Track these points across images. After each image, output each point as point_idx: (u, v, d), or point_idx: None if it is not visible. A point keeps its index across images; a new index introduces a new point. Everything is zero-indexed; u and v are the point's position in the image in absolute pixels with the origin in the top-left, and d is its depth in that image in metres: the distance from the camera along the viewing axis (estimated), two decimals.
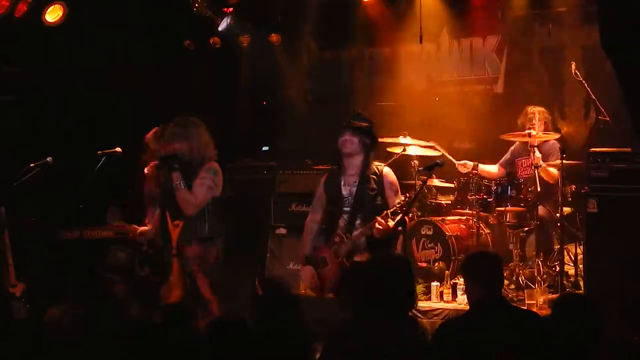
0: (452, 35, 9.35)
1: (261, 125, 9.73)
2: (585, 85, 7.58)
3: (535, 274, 7.10)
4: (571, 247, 7.45)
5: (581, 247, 6.99)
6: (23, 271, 7.26)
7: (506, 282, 6.99)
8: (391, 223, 5.82)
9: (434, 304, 7.13)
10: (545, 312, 6.41)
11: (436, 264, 7.56)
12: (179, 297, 5.66)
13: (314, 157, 8.52)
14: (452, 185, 7.89)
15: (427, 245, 7.65)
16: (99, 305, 4.68)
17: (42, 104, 9.24)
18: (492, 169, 7.92)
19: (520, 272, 7.23)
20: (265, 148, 9.67)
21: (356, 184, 6.08)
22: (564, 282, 7.05)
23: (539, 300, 6.83)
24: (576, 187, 7.35)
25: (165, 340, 3.83)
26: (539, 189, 7.16)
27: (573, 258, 7.40)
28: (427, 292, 7.27)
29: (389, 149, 7.88)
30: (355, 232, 5.97)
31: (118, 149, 7.39)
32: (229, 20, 9.33)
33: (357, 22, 9.41)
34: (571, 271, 7.37)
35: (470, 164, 7.78)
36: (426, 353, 4.26)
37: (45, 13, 8.33)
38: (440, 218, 7.80)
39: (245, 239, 8.36)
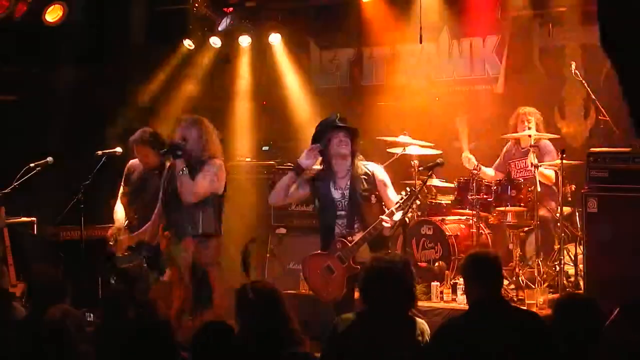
0: (452, 35, 9.34)
1: (261, 125, 9.72)
2: (585, 85, 7.58)
3: (535, 274, 7.09)
4: (571, 247, 7.44)
5: (581, 247, 6.99)
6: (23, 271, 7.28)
7: (506, 282, 6.99)
8: (397, 217, 5.83)
9: (434, 304, 7.13)
10: (545, 312, 6.41)
11: (436, 264, 7.56)
12: (181, 296, 5.65)
13: None
14: (452, 185, 7.89)
15: (427, 245, 7.65)
16: (111, 312, 4.69)
17: (42, 104, 9.24)
18: (490, 173, 7.90)
19: (520, 272, 7.23)
20: (265, 148, 9.67)
21: (348, 186, 6.04)
22: (564, 282, 7.05)
23: (539, 300, 6.83)
24: (576, 187, 7.35)
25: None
26: (538, 189, 7.16)
27: (573, 258, 7.40)
28: (427, 292, 7.27)
29: (389, 149, 7.88)
30: (358, 235, 5.94)
31: (118, 149, 7.40)
32: (229, 20, 9.32)
33: (356, 22, 9.40)
34: (571, 271, 7.37)
35: (474, 162, 7.76)
36: (426, 353, 4.26)
37: (45, 13, 8.33)
38: (440, 218, 7.80)
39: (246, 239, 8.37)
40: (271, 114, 9.87)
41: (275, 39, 9.50)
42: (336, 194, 6.03)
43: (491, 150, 8.25)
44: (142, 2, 9.27)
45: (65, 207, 7.54)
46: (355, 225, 5.97)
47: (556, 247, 7.28)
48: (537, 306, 6.76)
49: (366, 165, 6.08)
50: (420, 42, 8.77)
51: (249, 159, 9.26)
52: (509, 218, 7.46)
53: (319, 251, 6.09)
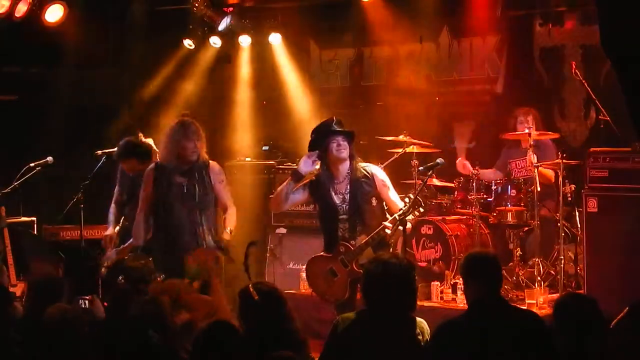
0: (452, 35, 9.34)
1: (261, 125, 9.72)
2: (585, 85, 7.58)
3: (535, 274, 7.10)
4: (571, 247, 7.45)
5: (581, 247, 6.99)
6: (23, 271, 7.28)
7: (506, 282, 6.99)
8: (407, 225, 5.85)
9: (434, 304, 7.14)
10: (545, 311, 6.41)
11: (436, 263, 7.57)
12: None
13: None
14: (452, 185, 7.90)
15: (427, 244, 7.65)
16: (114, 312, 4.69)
17: (42, 104, 9.24)
18: (490, 175, 7.90)
19: (520, 272, 7.24)
20: (265, 148, 9.67)
21: (348, 190, 6.03)
22: (564, 282, 7.06)
23: (539, 300, 6.84)
24: (576, 187, 7.35)
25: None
26: (538, 189, 7.17)
27: (573, 258, 7.40)
28: (427, 292, 7.27)
29: (389, 149, 7.88)
30: (361, 239, 5.92)
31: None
32: (229, 20, 9.32)
33: (356, 22, 9.40)
34: (571, 271, 7.37)
35: (470, 169, 7.74)
36: (426, 353, 4.26)
37: (45, 13, 8.33)
38: (440, 218, 7.80)
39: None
40: (271, 114, 9.87)
41: (275, 39, 9.50)
42: (337, 199, 6.01)
43: (491, 151, 8.25)
44: (142, 1, 9.28)
45: (65, 207, 7.55)
46: (358, 229, 5.96)
47: (556, 247, 7.28)
48: (537, 306, 6.76)
49: (365, 168, 6.06)
50: (421, 42, 8.77)
51: (249, 159, 9.27)
52: (509, 218, 7.46)
53: (322, 253, 6.08)
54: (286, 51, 9.68)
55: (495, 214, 7.56)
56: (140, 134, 7.92)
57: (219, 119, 9.64)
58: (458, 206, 7.91)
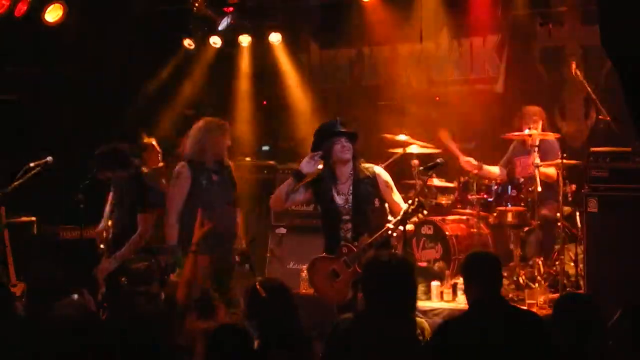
0: (452, 35, 9.34)
1: (261, 125, 9.73)
2: (586, 85, 7.58)
3: (536, 274, 7.10)
4: (571, 247, 7.45)
5: (581, 247, 6.99)
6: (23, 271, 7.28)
7: (506, 282, 6.99)
8: (409, 227, 5.86)
9: (434, 303, 7.14)
10: (546, 312, 6.42)
11: (436, 263, 7.57)
12: (183, 297, 5.64)
13: None
14: (452, 185, 7.90)
15: (427, 244, 7.66)
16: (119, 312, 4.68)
17: (42, 104, 9.24)
18: (494, 171, 7.92)
19: (521, 272, 7.24)
20: (265, 148, 9.67)
21: (351, 191, 6.03)
22: (564, 282, 7.06)
23: (539, 300, 6.84)
24: (576, 187, 7.35)
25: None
26: (539, 189, 7.17)
27: (573, 258, 7.40)
28: (427, 292, 7.27)
29: (389, 149, 7.89)
30: (363, 240, 5.92)
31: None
32: (229, 20, 9.32)
33: (356, 22, 9.40)
34: (571, 271, 7.37)
35: (475, 163, 7.77)
36: (426, 352, 4.26)
37: (45, 13, 8.33)
38: (440, 218, 7.80)
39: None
40: (271, 114, 9.87)
41: (276, 39, 9.50)
42: (339, 200, 6.01)
43: (491, 151, 8.25)
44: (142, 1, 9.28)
45: (65, 207, 7.54)
46: (360, 230, 5.96)
47: (556, 247, 7.28)
48: (537, 306, 6.76)
49: (368, 168, 6.07)
50: (421, 42, 8.77)
51: (249, 159, 9.27)
52: (510, 218, 7.46)
53: (324, 255, 6.08)
54: (286, 51, 9.68)
55: (495, 214, 7.56)
56: (144, 134, 7.93)
57: (219, 119, 9.63)
58: (458, 206, 7.92)
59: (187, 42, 9.44)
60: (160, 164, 8.04)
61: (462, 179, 7.79)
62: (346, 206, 5.99)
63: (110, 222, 6.88)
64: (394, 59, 9.61)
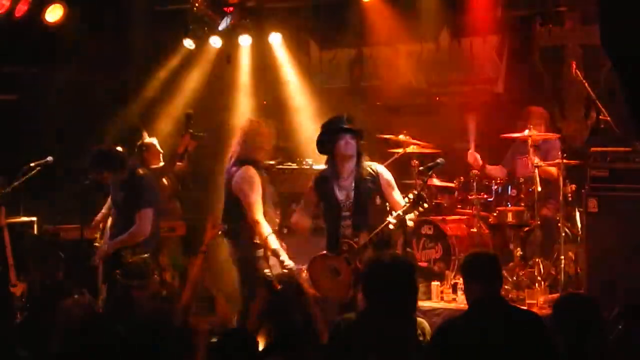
0: (452, 35, 9.34)
1: None
2: (586, 85, 7.58)
3: (536, 274, 7.09)
4: (571, 247, 7.44)
5: (581, 247, 6.98)
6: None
7: (506, 282, 6.98)
8: (409, 223, 5.86)
9: (434, 304, 7.13)
10: (546, 312, 6.40)
11: (436, 263, 7.56)
12: (187, 298, 5.65)
13: (314, 156, 8.51)
14: (452, 185, 7.89)
15: (427, 245, 7.65)
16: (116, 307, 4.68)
17: (42, 104, 9.24)
18: (497, 170, 7.92)
19: (521, 272, 7.23)
20: None
21: (353, 187, 6.03)
22: (564, 282, 7.05)
23: (539, 300, 6.84)
24: (576, 187, 7.35)
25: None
26: (539, 189, 7.17)
27: (573, 258, 7.40)
28: (427, 292, 7.27)
29: (389, 149, 7.88)
30: (364, 237, 5.91)
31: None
32: (229, 20, 9.32)
33: (356, 22, 9.40)
34: (571, 271, 7.36)
35: (480, 162, 7.76)
36: (426, 352, 4.26)
37: (45, 13, 8.33)
38: (440, 218, 7.79)
39: None
40: (271, 114, 9.86)
41: (275, 39, 9.49)
42: (340, 195, 6.03)
43: (491, 151, 8.25)
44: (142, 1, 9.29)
45: (65, 207, 7.54)
46: (360, 226, 5.96)
47: (556, 247, 7.27)
48: (537, 306, 6.76)
49: (371, 166, 6.09)
50: (421, 42, 8.76)
51: None
52: (510, 218, 7.46)
53: (325, 252, 6.08)
54: (286, 51, 9.68)
55: (495, 214, 7.56)
56: (145, 134, 7.93)
57: (219, 118, 9.64)
58: (458, 206, 7.91)
59: (187, 42, 9.44)
60: (161, 164, 8.04)
61: (462, 179, 7.78)
62: (347, 202, 6.01)
63: (109, 222, 6.90)
64: (394, 59, 9.61)
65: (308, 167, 8.42)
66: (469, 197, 7.61)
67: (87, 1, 8.78)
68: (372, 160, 6.37)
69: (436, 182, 7.88)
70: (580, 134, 8.60)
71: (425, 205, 5.88)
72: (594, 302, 4.19)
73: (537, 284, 7.02)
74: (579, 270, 7.19)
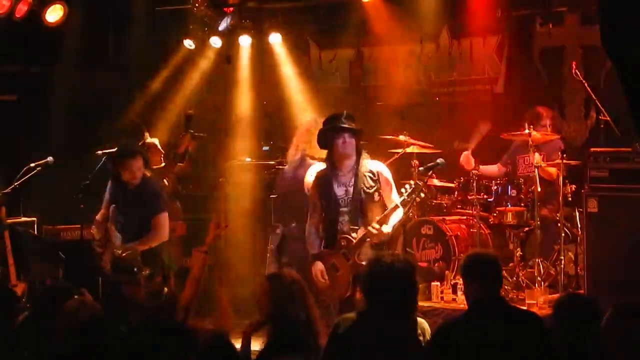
0: (452, 35, 9.35)
1: (261, 125, 9.72)
2: (585, 85, 7.58)
3: (535, 274, 7.10)
4: (571, 247, 7.45)
5: (581, 247, 6.99)
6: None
7: (506, 282, 6.99)
8: (386, 229, 5.87)
9: (434, 304, 7.14)
10: (546, 312, 6.41)
11: (436, 263, 7.57)
12: (188, 298, 5.65)
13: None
14: (452, 185, 7.90)
15: (427, 245, 7.66)
16: (110, 306, 4.68)
17: (42, 104, 9.24)
18: (492, 169, 7.93)
19: (520, 272, 7.24)
20: (265, 148, 9.67)
21: (352, 183, 6.04)
22: (564, 282, 7.06)
23: (539, 300, 6.84)
24: (576, 187, 7.35)
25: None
26: (539, 189, 7.17)
27: (573, 258, 7.40)
28: (427, 292, 7.27)
29: (389, 149, 7.88)
30: (362, 232, 5.93)
31: None
32: (229, 20, 9.32)
33: (356, 22, 9.40)
34: (571, 271, 7.37)
35: (472, 163, 7.77)
36: (426, 352, 4.26)
37: (45, 13, 8.33)
38: (440, 218, 7.80)
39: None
40: (271, 114, 9.87)
41: (275, 39, 9.50)
42: (339, 191, 6.04)
43: (490, 151, 8.25)
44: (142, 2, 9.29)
45: (65, 207, 7.54)
46: (358, 222, 5.97)
47: (556, 247, 7.28)
48: (537, 306, 6.77)
49: (371, 164, 6.09)
50: (421, 42, 8.76)
51: (249, 159, 9.26)
52: (510, 218, 7.47)
53: (323, 249, 6.07)
54: (286, 51, 9.68)
55: (495, 214, 7.56)
56: (147, 134, 7.92)
57: (219, 119, 9.64)
58: (458, 206, 7.91)
59: (187, 42, 9.44)
60: (162, 164, 8.04)
61: (462, 179, 7.78)
62: (346, 197, 6.01)
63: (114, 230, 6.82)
64: (394, 59, 9.61)
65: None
66: (469, 197, 7.62)
67: (87, 1, 8.78)
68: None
69: (436, 182, 7.88)
70: (580, 134, 8.60)
71: (422, 194, 5.90)
72: (594, 302, 4.19)
73: (537, 284, 7.02)
74: (579, 270, 7.20)
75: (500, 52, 9.07)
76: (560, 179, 7.12)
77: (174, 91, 9.62)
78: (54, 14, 8.36)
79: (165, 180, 8.03)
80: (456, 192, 7.85)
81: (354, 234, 5.92)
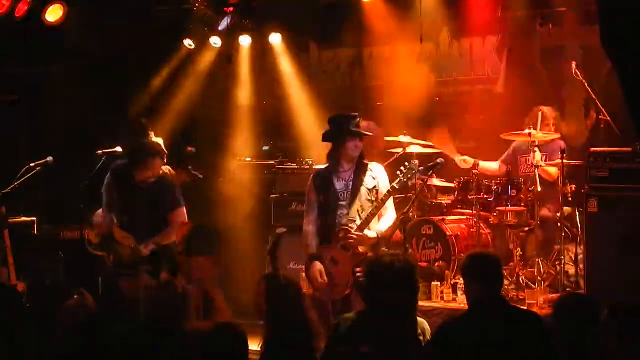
0: (452, 35, 9.34)
1: (261, 125, 9.72)
2: (585, 85, 7.58)
3: (536, 274, 7.10)
4: (571, 247, 7.45)
5: (581, 247, 6.99)
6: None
7: (506, 282, 6.99)
8: (370, 234, 5.92)
9: (434, 304, 7.14)
10: (546, 312, 6.41)
11: (436, 263, 7.57)
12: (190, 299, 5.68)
13: (314, 157, 8.52)
14: (452, 185, 7.90)
15: (427, 245, 7.66)
16: (108, 299, 4.69)
17: (42, 104, 9.24)
18: (493, 166, 7.93)
19: (521, 272, 7.24)
20: (265, 148, 9.67)
21: (352, 178, 6.07)
22: (564, 282, 7.06)
23: (539, 300, 6.84)
24: (576, 187, 7.35)
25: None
26: (539, 189, 7.17)
27: (573, 258, 7.40)
28: (427, 292, 7.27)
29: (389, 149, 7.88)
30: (360, 224, 5.93)
31: (118, 149, 7.39)
32: (229, 20, 9.32)
33: (356, 22, 9.40)
34: (571, 271, 7.37)
35: (471, 160, 7.79)
36: (426, 352, 4.26)
37: (45, 13, 8.33)
38: (440, 218, 7.80)
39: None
40: (271, 114, 9.87)
41: (276, 39, 9.50)
42: (339, 185, 6.08)
43: (491, 151, 8.25)
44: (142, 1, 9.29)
45: (65, 207, 7.54)
46: (357, 216, 5.97)
47: (556, 247, 7.28)
48: (537, 306, 6.77)
49: (372, 165, 6.14)
50: (421, 42, 8.76)
51: (249, 159, 9.26)
52: (509, 218, 7.47)
53: (321, 245, 6.06)
54: (286, 51, 9.68)
55: (495, 214, 7.56)
56: (152, 133, 7.91)
57: (219, 119, 9.64)
58: (458, 206, 7.91)
59: (188, 42, 9.44)
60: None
61: (462, 179, 7.78)
62: (345, 192, 6.04)
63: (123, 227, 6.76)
64: (394, 59, 9.60)
65: (308, 167, 8.41)
66: (469, 197, 7.62)
67: (87, 1, 8.78)
68: (371, 160, 6.39)
69: (436, 182, 7.88)
70: (580, 134, 8.59)
71: (416, 177, 5.91)
72: (594, 302, 4.19)
73: (537, 284, 7.02)
74: (579, 270, 7.20)
75: (500, 52, 9.07)
76: (560, 179, 7.12)
77: (174, 91, 9.62)
78: (53, 14, 8.36)
79: None
80: (456, 192, 7.84)
81: (352, 225, 5.92)
